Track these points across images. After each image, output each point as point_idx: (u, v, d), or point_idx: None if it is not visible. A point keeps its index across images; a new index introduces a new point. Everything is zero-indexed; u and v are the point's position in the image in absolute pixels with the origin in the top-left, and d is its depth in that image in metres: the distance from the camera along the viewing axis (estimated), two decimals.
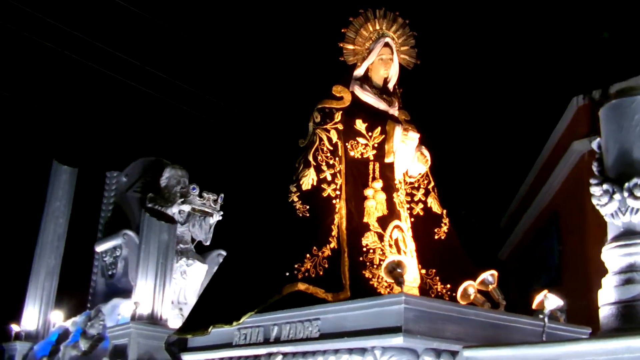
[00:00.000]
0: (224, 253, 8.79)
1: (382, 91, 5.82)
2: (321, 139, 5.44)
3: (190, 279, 8.02)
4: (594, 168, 3.22)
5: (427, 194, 5.84)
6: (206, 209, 8.24)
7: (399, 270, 4.16)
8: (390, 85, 5.89)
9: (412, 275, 5.19)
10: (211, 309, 5.24)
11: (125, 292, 8.00)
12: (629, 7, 11.56)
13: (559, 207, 10.93)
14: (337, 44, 5.91)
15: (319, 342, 4.28)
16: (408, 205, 5.69)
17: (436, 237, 5.69)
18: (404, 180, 5.75)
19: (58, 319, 9.00)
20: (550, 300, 4.08)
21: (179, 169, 8.65)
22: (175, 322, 7.12)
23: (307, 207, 5.20)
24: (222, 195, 8.40)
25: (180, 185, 8.52)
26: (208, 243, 8.59)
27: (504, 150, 14.65)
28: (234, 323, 4.89)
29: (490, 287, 4.60)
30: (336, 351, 4.17)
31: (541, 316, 3.84)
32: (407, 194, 5.74)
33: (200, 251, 8.73)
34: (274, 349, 4.62)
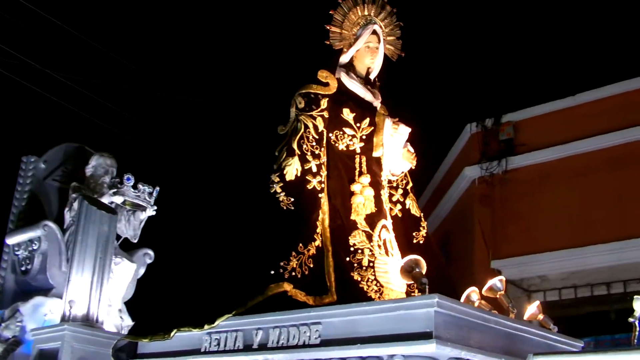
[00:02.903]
0: (151, 253, 8.04)
1: (365, 81, 5.42)
2: (307, 126, 4.94)
3: (116, 279, 7.21)
4: None
5: (405, 194, 5.45)
6: (140, 202, 7.46)
7: (418, 270, 3.73)
8: (372, 77, 5.49)
9: (402, 281, 4.76)
10: (176, 309, 4.60)
11: (41, 290, 7.11)
12: (522, 39, 11.94)
13: (449, 230, 11.05)
14: (287, 26, 5.47)
15: (320, 350, 3.75)
16: (389, 206, 5.27)
17: (415, 241, 5.29)
18: (386, 178, 5.35)
19: None
20: None
21: (108, 158, 7.81)
22: (110, 325, 6.36)
23: (292, 199, 4.67)
24: (158, 188, 7.65)
25: (108, 176, 7.71)
26: (136, 240, 7.79)
27: None
28: (206, 326, 4.28)
29: (499, 293, 4.25)
30: None
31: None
32: None
33: (125, 249, 7.93)
34: (259, 357, 4.04)
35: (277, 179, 4.72)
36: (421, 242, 5.30)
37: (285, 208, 4.62)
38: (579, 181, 9.02)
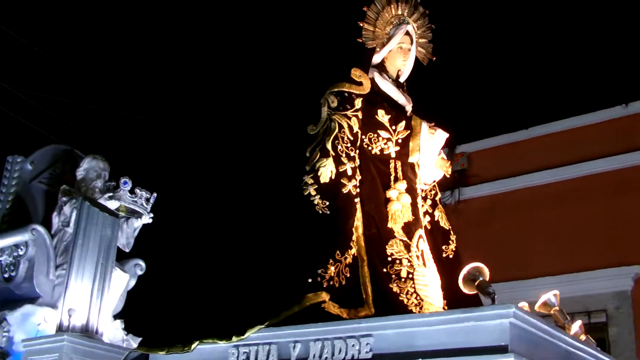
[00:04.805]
0: (142, 264, 7.56)
1: (396, 84, 5.14)
2: (341, 126, 4.61)
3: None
4: None
5: (434, 205, 5.14)
6: (137, 208, 7.02)
7: (482, 279, 3.42)
8: (402, 80, 5.22)
9: (439, 296, 4.46)
10: (199, 318, 4.21)
11: (26, 300, 6.58)
12: (476, 72, 12.11)
13: None
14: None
15: None
16: None
17: (444, 255, 4.98)
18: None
19: None
20: None
21: (101, 161, 7.35)
22: (110, 336, 5.88)
23: (327, 203, 4.34)
24: (155, 194, 7.21)
25: (100, 180, 7.25)
26: (129, 250, 7.34)
27: None
28: (234, 338, 3.90)
29: (553, 309, 3.96)
30: None
31: None
32: None
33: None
34: None
35: (311, 181, 4.38)
36: (451, 256, 4.99)
37: (320, 212, 4.28)
38: (530, 213, 9.26)
